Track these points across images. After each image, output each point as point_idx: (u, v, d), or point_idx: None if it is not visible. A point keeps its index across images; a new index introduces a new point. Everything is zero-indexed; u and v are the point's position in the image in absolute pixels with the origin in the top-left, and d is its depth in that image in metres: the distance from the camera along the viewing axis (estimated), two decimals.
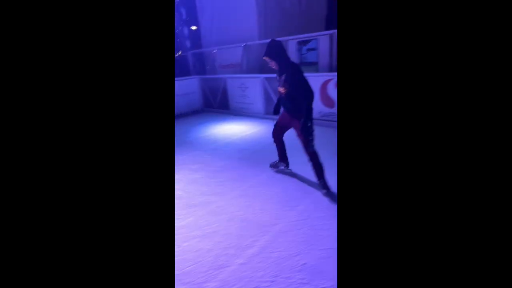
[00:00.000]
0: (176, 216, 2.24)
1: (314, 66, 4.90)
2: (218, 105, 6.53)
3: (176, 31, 7.48)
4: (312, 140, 2.30)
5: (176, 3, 7.37)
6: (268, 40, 2.38)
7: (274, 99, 5.27)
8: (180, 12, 7.63)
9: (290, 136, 2.77)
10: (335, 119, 4.23)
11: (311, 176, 2.57)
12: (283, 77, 2.32)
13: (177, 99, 6.20)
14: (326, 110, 4.40)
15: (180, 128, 5.29)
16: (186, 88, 6.53)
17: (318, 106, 4.37)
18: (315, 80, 4.19)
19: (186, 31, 7.82)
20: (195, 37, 7.58)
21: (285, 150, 2.85)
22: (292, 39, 5.09)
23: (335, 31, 4.47)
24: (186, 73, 7.51)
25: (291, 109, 2.42)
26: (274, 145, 2.84)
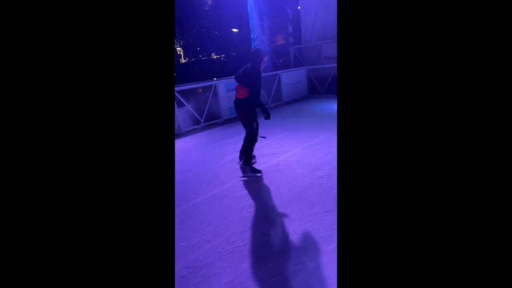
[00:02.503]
0: None
1: None
2: (325, 91, 7.75)
3: (282, 29, 8.82)
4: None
5: (283, 7, 8.73)
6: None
7: None
8: (287, 13, 9.00)
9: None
10: None
11: None
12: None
13: (287, 88, 7.54)
14: None
15: (312, 107, 6.54)
16: (295, 78, 7.85)
17: None
18: None
19: (290, 29, 9.16)
20: (297, 34, 8.88)
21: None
22: None
23: None
24: (287, 65, 8.86)
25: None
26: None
